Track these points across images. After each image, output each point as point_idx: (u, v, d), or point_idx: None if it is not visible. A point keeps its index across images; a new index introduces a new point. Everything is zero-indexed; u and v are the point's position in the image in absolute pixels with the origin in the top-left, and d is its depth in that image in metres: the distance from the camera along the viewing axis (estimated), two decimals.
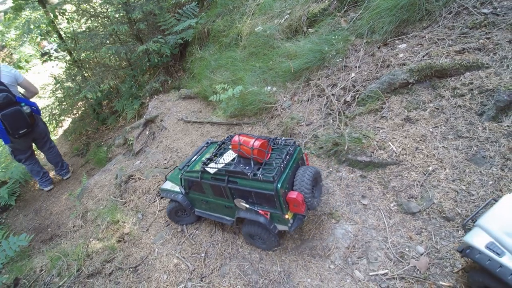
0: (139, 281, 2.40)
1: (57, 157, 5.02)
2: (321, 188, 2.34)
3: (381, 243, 2.23)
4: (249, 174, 2.05)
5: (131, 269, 2.50)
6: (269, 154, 2.18)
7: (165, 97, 5.71)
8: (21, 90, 4.20)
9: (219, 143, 2.56)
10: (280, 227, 2.18)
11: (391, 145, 2.58)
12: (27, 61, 6.53)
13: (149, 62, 6.08)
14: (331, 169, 2.81)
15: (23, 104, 3.86)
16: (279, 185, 1.98)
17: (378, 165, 2.58)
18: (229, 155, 2.33)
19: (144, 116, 5.46)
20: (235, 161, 2.22)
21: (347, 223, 2.40)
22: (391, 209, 2.38)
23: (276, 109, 3.71)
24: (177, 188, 2.68)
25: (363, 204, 2.47)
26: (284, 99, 3.71)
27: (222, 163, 2.24)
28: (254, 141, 2.10)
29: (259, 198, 2.12)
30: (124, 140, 5.61)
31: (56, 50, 8.00)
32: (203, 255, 2.49)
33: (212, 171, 2.23)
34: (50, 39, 6.74)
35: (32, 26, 5.97)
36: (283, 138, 2.36)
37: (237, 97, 3.95)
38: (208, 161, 2.32)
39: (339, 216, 2.46)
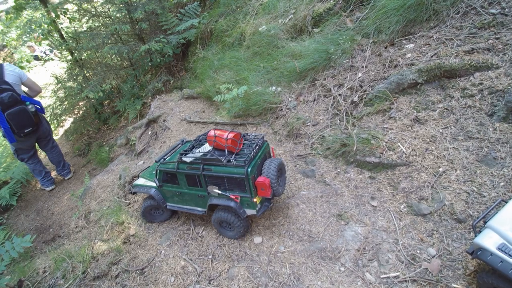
0: (146, 283, 2.37)
1: (59, 156, 5.04)
2: (285, 178, 2.55)
3: (392, 245, 2.20)
4: (223, 160, 2.27)
5: (137, 272, 2.47)
6: (241, 145, 2.42)
7: (167, 97, 5.68)
8: (24, 89, 4.17)
9: (194, 139, 2.74)
10: (249, 212, 2.38)
11: (400, 146, 2.55)
12: (28, 61, 6.48)
13: (151, 62, 6.05)
14: (339, 170, 2.79)
15: (28, 103, 3.86)
16: (249, 169, 2.21)
17: (387, 166, 2.55)
18: (204, 148, 2.55)
19: (147, 116, 5.42)
20: (210, 152, 2.43)
21: (356, 225, 2.37)
22: (401, 211, 2.35)
23: (281, 109, 3.68)
24: (150, 183, 2.82)
25: (373, 205, 2.44)
26: (289, 99, 3.69)
27: (198, 154, 2.45)
28: (228, 134, 2.35)
29: (231, 184, 2.33)
30: (126, 140, 5.57)
31: (45, 53, 7.96)
32: (210, 257, 2.45)
33: (189, 160, 2.43)
34: (43, 43, 6.70)
35: (33, 26, 5.93)
36: (253, 133, 2.61)
37: (241, 97, 3.92)
38: (185, 153, 2.50)
39: (348, 217, 2.44)
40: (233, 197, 2.32)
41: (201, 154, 2.42)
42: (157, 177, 2.67)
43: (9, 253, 3.02)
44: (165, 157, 2.70)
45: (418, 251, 2.15)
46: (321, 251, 2.29)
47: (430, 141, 2.52)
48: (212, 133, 2.40)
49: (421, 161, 2.46)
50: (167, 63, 6.20)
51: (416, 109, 2.71)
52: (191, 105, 5.17)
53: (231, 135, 2.32)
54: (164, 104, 5.45)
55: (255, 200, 2.28)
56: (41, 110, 4.20)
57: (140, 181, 2.95)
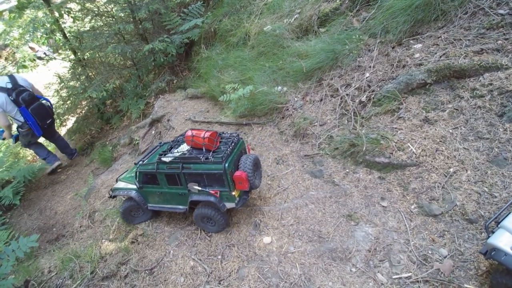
0: (155, 284, 2.35)
1: (65, 142, 5.58)
2: (260, 173, 2.69)
3: (403, 246, 2.20)
4: (201, 158, 2.38)
5: (146, 272, 2.45)
6: (218, 143, 2.55)
7: (171, 96, 5.67)
8: None
9: (172, 140, 2.85)
10: (228, 205, 2.49)
11: (410, 146, 2.54)
12: (31, 60, 6.47)
13: (154, 61, 6.03)
14: (347, 170, 2.78)
15: (41, 99, 4.49)
16: (226, 165, 2.33)
17: (397, 167, 2.55)
18: (182, 148, 2.65)
19: (151, 116, 5.41)
20: (189, 151, 2.55)
21: (367, 226, 2.36)
22: (411, 211, 2.34)
23: (288, 109, 3.67)
24: (130, 186, 2.89)
25: (383, 206, 2.43)
26: (296, 99, 3.68)
27: (177, 154, 2.56)
28: (205, 133, 2.47)
29: (210, 180, 2.44)
30: (129, 140, 5.56)
31: (45, 53, 7.95)
32: (219, 257, 2.44)
33: (168, 159, 2.52)
34: (45, 42, 6.69)
35: (36, 25, 5.91)
36: (229, 132, 2.74)
37: (246, 97, 3.90)
38: (164, 153, 2.60)
39: (358, 218, 2.43)
40: (212, 192, 2.44)
41: (179, 153, 2.52)
42: (137, 179, 2.73)
43: (15, 252, 3.00)
44: (144, 159, 2.78)
45: (430, 252, 2.14)
46: (331, 251, 2.28)
47: (440, 141, 2.51)
48: (189, 133, 2.51)
49: (431, 161, 2.45)
50: (171, 63, 6.18)
51: (425, 109, 2.70)
52: (195, 104, 5.16)
53: (207, 134, 2.45)
54: (167, 104, 5.44)
55: (233, 193, 2.41)
56: (51, 105, 4.82)
57: (120, 184, 3.01)
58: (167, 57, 5.87)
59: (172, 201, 2.71)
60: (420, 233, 2.24)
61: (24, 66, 6.32)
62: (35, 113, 4.29)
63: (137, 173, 2.71)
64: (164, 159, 2.54)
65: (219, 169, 2.33)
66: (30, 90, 4.31)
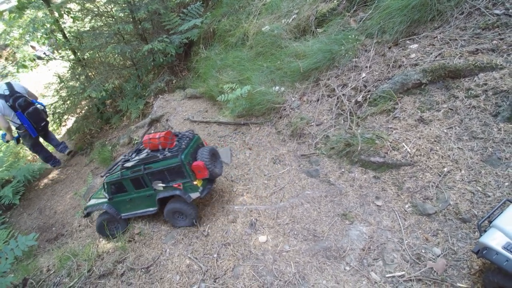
0: (151, 282, 2.37)
1: (57, 140, 5.92)
2: (221, 162, 2.84)
3: (397, 245, 2.21)
4: (160, 156, 2.54)
5: (143, 270, 2.48)
6: (174, 143, 2.68)
7: (170, 96, 5.69)
8: None
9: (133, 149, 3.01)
10: (193, 195, 2.58)
11: (405, 146, 2.56)
12: (31, 60, 6.50)
13: (153, 61, 6.05)
14: (343, 170, 2.79)
15: (36, 103, 4.84)
16: (183, 156, 2.48)
17: (392, 166, 2.56)
18: (143, 153, 2.79)
19: (150, 116, 5.43)
20: (147, 153, 2.71)
21: (361, 225, 2.38)
22: (406, 211, 2.36)
23: (285, 109, 3.69)
24: (101, 200, 3.00)
25: (377, 205, 2.45)
26: (293, 99, 3.69)
27: (137, 159, 2.71)
28: (159, 134, 2.66)
29: (171, 174, 2.57)
30: (129, 140, 5.58)
31: (45, 53, 7.99)
32: (215, 255, 2.46)
33: (130, 164, 2.66)
34: (45, 42, 6.73)
35: (36, 25, 5.94)
36: (184, 130, 2.90)
37: (244, 97, 3.92)
38: (125, 161, 2.75)
39: (353, 217, 2.44)
40: (176, 185, 2.57)
41: (140, 157, 2.70)
42: (106, 190, 2.86)
43: (13, 251, 3.03)
44: (110, 171, 2.86)
45: (423, 251, 2.16)
46: (326, 250, 2.30)
47: (435, 141, 2.53)
48: (146, 138, 2.71)
49: (426, 161, 2.47)
50: (170, 63, 6.20)
51: (420, 109, 2.72)
52: (194, 104, 5.19)
53: (162, 134, 2.65)
54: (166, 104, 5.46)
55: (195, 183, 2.54)
56: (44, 108, 5.13)
57: (91, 202, 3.11)
58: (167, 57, 5.90)
59: (142, 205, 2.82)
60: (414, 232, 2.26)
61: (24, 66, 6.35)
62: (31, 117, 4.67)
63: (105, 184, 2.83)
64: (126, 165, 2.67)
65: (176, 161, 2.48)
66: (26, 96, 4.70)
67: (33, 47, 8.59)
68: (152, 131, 5.39)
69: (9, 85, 4.67)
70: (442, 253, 2.12)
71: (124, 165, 2.68)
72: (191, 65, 6.16)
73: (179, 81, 6.17)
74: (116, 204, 2.92)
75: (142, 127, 5.50)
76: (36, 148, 5.38)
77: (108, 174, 2.81)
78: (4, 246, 2.85)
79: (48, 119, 5.26)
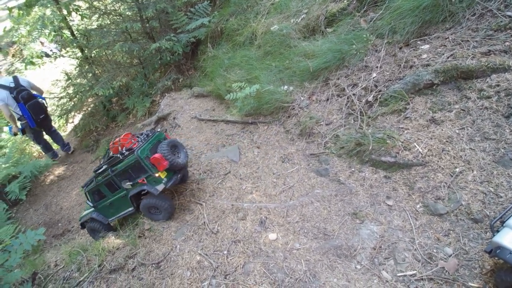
0: (162, 277, 2.38)
1: (60, 136, 6.19)
2: (185, 153, 2.96)
3: (408, 244, 2.21)
4: (120, 156, 2.69)
5: (153, 265, 2.49)
6: (136, 143, 2.80)
7: (177, 95, 5.71)
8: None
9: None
10: (159, 187, 2.68)
11: (416, 146, 2.56)
12: (38, 57, 6.54)
13: (161, 60, 6.07)
14: (353, 169, 2.80)
15: (38, 98, 5.22)
16: (139, 152, 2.60)
17: (403, 166, 2.56)
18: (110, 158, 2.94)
19: (157, 114, 5.45)
20: (113, 157, 2.82)
21: (372, 224, 2.38)
22: (417, 210, 2.36)
23: (294, 108, 3.70)
24: (89, 210, 3.25)
25: (388, 204, 2.45)
26: (302, 98, 3.70)
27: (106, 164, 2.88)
28: (120, 137, 2.86)
29: (135, 171, 2.70)
30: None
31: (52, 50, 8.05)
32: (225, 252, 2.47)
33: (100, 170, 2.86)
34: (53, 39, 6.79)
35: (45, 22, 5.98)
36: (146, 130, 3.05)
37: (252, 96, 3.93)
38: (98, 168, 2.92)
39: (364, 216, 2.45)
40: (140, 181, 2.70)
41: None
42: (89, 199, 3.08)
43: (22, 245, 3.05)
44: (89, 183, 3.07)
45: (435, 250, 2.16)
46: (336, 248, 2.30)
47: (447, 141, 2.52)
48: (111, 143, 2.91)
49: (438, 161, 2.46)
50: (177, 62, 6.22)
51: (432, 110, 2.72)
52: (201, 103, 5.20)
53: (121, 136, 2.88)
54: (173, 102, 5.48)
55: (157, 175, 2.65)
56: (46, 104, 5.50)
57: (83, 213, 3.39)
58: (174, 56, 5.91)
59: (122, 206, 2.99)
60: (425, 232, 2.25)
61: (32, 63, 6.38)
62: (31, 109, 5.06)
63: (86, 194, 3.06)
64: (98, 171, 2.90)
65: (134, 158, 2.62)
66: (29, 90, 5.10)
67: (42, 43, 8.65)
68: (158, 130, 5.41)
69: (15, 78, 5.09)
70: (453, 253, 2.12)
71: (97, 172, 2.89)
72: (198, 64, 6.18)
73: (185, 80, 6.19)
74: (101, 210, 3.11)
75: (148, 125, 5.52)
76: (37, 139, 5.73)
77: (87, 185, 3.05)
78: (14, 240, 2.86)
79: (48, 113, 5.61)
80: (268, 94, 3.88)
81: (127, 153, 2.67)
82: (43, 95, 5.67)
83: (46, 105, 5.51)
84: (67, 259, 3.11)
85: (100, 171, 2.88)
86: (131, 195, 2.83)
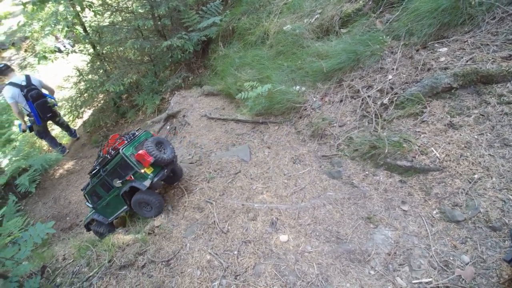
0: (172, 275, 2.37)
1: (67, 125, 6.49)
2: (172, 149, 3.02)
3: (424, 251, 2.16)
4: (108, 156, 2.83)
5: (163, 263, 2.47)
6: (121, 141, 2.91)
7: (187, 93, 5.71)
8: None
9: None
10: (146, 183, 2.76)
11: (434, 150, 2.50)
12: (51, 52, 6.62)
13: (171, 58, 6.08)
14: (367, 173, 2.75)
15: (47, 97, 5.49)
16: (124, 150, 2.73)
17: (419, 171, 2.51)
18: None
19: (166, 111, 5.46)
20: (103, 158, 2.95)
21: (386, 229, 2.33)
22: (433, 217, 2.30)
23: (305, 109, 3.66)
24: (91, 212, 3.37)
25: (403, 210, 2.40)
26: (314, 99, 3.66)
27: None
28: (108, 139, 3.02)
29: (123, 170, 2.80)
30: None
31: (65, 46, 8.13)
32: (236, 252, 2.44)
33: (93, 171, 3.00)
34: (66, 34, 6.87)
35: (59, 18, 6.03)
36: (133, 131, 3.16)
37: (264, 96, 3.90)
38: (93, 170, 3.03)
39: (378, 221, 2.40)
40: (128, 178, 2.81)
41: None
42: (89, 201, 3.21)
43: (32, 238, 3.06)
44: (88, 186, 3.21)
45: (451, 258, 2.10)
46: (349, 253, 2.26)
47: (465, 147, 2.46)
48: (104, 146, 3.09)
49: (455, 167, 2.40)
50: (187, 60, 6.23)
51: (450, 114, 2.65)
52: (211, 101, 5.19)
53: (110, 138, 3.06)
54: (183, 100, 5.48)
55: (143, 171, 2.74)
56: (55, 103, 5.79)
57: (88, 215, 3.49)
58: (184, 54, 5.92)
59: (118, 205, 3.08)
60: (441, 239, 2.20)
61: (45, 58, 6.45)
62: (39, 108, 5.32)
63: (85, 196, 3.19)
64: (92, 173, 3.03)
65: (120, 156, 2.73)
66: (39, 89, 5.33)
67: (56, 38, 8.76)
68: (168, 127, 5.42)
69: (27, 77, 5.30)
70: (470, 261, 2.06)
71: (91, 173, 3.04)
72: (209, 62, 6.17)
73: (195, 78, 6.19)
74: (100, 211, 3.20)
75: (158, 122, 5.53)
76: (42, 135, 5.96)
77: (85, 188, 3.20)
78: (24, 233, 2.87)
79: (56, 111, 5.85)
80: (279, 94, 3.85)
81: (113, 152, 2.80)
82: (54, 94, 5.87)
83: (55, 104, 5.73)
84: (76, 254, 3.11)
85: (93, 172, 3.01)
86: (123, 193, 2.93)
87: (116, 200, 3.02)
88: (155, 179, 2.78)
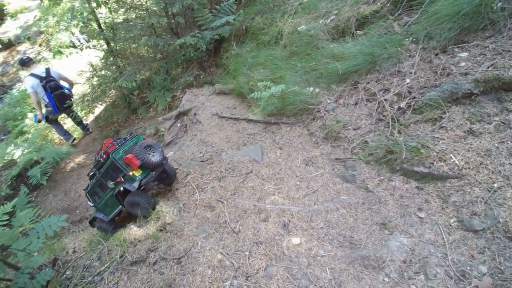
0: (183, 273, 2.36)
1: (80, 120, 6.79)
2: (161, 152, 3.15)
3: (440, 260, 2.11)
4: (100, 159, 3.05)
5: (175, 260, 2.47)
6: (114, 145, 3.08)
7: (198, 91, 5.72)
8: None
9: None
10: (135, 184, 2.93)
11: (452, 157, 2.44)
12: (67, 47, 6.73)
13: (184, 55, 6.10)
14: (382, 177, 2.70)
15: (64, 89, 5.89)
16: (113, 154, 2.90)
17: (437, 178, 2.45)
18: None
19: (178, 109, 5.48)
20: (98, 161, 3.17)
21: (402, 236, 2.29)
22: (451, 225, 2.25)
23: (319, 111, 3.62)
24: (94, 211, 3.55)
25: (420, 217, 2.35)
26: (328, 101, 3.62)
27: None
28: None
29: (115, 172, 2.97)
30: (155, 131, 5.66)
31: (80, 41, 8.24)
32: (247, 253, 2.43)
33: (91, 173, 3.25)
34: (80, 30, 6.98)
35: (75, 14, 6.11)
36: (125, 134, 3.36)
37: (277, 96, 3.88)
38: (89, 172, 3.29)
39: (393, 227, 2.36)
40: (119, 180, 2.97)
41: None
42: (90, 201, 3.43)
43: (45, 230, 3.09)
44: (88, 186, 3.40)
45: (468, 268, 2.05)
46: (363, 259, 2.22)
47: (485, 155, 2.40)
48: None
49: (475, 175, 2.35)
50: (199, 58, 6.24)
51: (470, 121, 2.59)
52: (222, 100, 5.19)
53: (104, 142, 3.24)
54: (195, 98, 5.50)
55: (131, 173, 2.89)
56: (72, 94, 6.14)
57: (92, 214, 3.66)
58: (197, 52, 5.93)
59: (114, 205, 3.24)
60: (458, 248, 2.15)
61: (60, 52, 6.56)
62: (56, 98, 5.71)
63: (87, 196, 3.41)
64: (90, 175, 3.27)
65: (110, 160, 2.91)
66: (57, 81, 5.74)
67: (72, 33, 8.90)
68: (178, 124, 5.44)
69: (47, 69, 5.74)
70: (488, 272, 2.01)
71: (90, 174, 3.28)
72: (220, 61, 6.18)
73: (207, 77, 6.20)
74: (100, 210, 3.40)
75: (169, 119, 5.56)
76: (52, 122, 6.38)
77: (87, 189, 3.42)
78: (37, 225, 2.89)
79: (71, 103, 6.14)
80: (292, 95, 3.82)
81: (103, 155, 3.01)
82: (73, 87, 6.30)
83: (72, 96, 6.12)
84: (87, 247, 3.14)
85: (91, 174, 3.26)
86: (117, 194, 3.10)
87: (112, 200, 3.20)
88: (144, 181, 2.94)
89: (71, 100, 6.05)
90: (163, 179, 3.48)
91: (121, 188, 3.07)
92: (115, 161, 2.89)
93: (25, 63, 5.69)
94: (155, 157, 3.03)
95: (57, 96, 5.72)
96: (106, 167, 3.01)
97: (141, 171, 2.97)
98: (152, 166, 2.99)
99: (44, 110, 5.96)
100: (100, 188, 3.22)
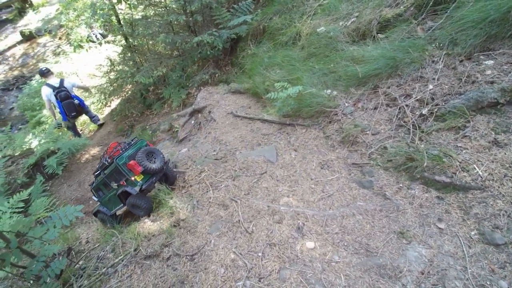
0: (196, 270, 2.37)
1: (93, 113, 7.13)
2: (162, 158, 3.36)
3: (460, 273, 2.05)
4: (106, 162, 3.25)
5: (188, 257, 2.48)
6: (118, 153, 3.23)
7: (213, 89, 5.74)
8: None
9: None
10: (136, 188, 3.11)
11: (476, 168, 2.37)
12: (86, 41, 6.87)
13: (200, 53, 6.14)
14: (401, 185, 2.65)
15: (75, 99, 6.27)
16: (117, 159, 3.09)
17: (459, 188, 2.39)
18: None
19: (193, 106, 5.51)
20: (103, 163, 3.36)
21: (420, 246, 2.23)
22: (471, 238, 2.18)
23: (336, 114, 3.58)
24: (97, 204, 3.87)
25: (439, 227, 2.29)
26: (346, 104, 3.57)
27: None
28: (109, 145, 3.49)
29: (118, 175, 3.18)
30: (169, 126, 5.71)
31: (96, 36, 8.40)
32: (260, 254, 2.42)
33: (96, 172, 3.44)
34: (100, 25, 7.12)
35: (96, 9, 6.23)
36: (132, 139, 3.54)
37: (293, 97, 3.85)
38: (95, 171, 3.47)
39: (411, 237, 2.30)
40: (121, 183, 3.17)
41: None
42: (95, 195, 3.67)
43: (61, 220, 3.14)
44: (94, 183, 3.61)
45: (488, 282, 1.99)
46: (380, 267, 2.18)
47: (510, 166, 2.32)
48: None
49: (498, 187, 2.27)
50: (215, 57, 6.26)
51: (494, 131, 2.51)
52: (237, 99, 5.19)
53: (110, 144, 3.47)
54: (210, 96, 5.52)
55: (133, 178, 3.09)
56: (83, 104, 6.55)
57: (96, 206, 3.95)
58: (213, 51, 5.96)
59: (116, 203, 3.46)
60: (479, 262, 2.08)
61: (80, 46, 6.72)
62: (65, 107, 6.16)
63: (92, 191, 3.64)
64: (96, 174, 3.45)
65: (114, 165, 3.11)
66: (68, 91, 6.14)
67: (91, 27, 9.10)
68: (193, 121, 5.48)
69: (61, 80, 6.20)
70: (508, 287, 1.94)
71: (95, 174, 3.48)
72: (236, 60, 6.18)
73: (222, 75, 6.22)
74: (104, 205, 3.65)
75: (183, 116, 5.60)
76: (70, 128, 6.84)
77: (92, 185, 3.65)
78: (53, 214, 2.94)
79: (81, 109, 6.60)
80: (309, 97, 3.79)
81: (108, 159, 3.22)
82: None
83: (81, 105, 6.53)
84: (100, 239, 3.19)
85: (97, 173, 3.45)
86: (119, 194, 3.30)
87: (114, 198, 3.42)
88: (144, 186, 3.14)
89: (80, 111, 6.58)
90: (164, 180, 3.66)
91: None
92: (118, 166, 3.09)
93: (44, 73, 6.19)
94: (156, 164, 3.25)
95: (65, 105, 6.16)
96: (111, 170, 3.21)
97: (143, 176, 3.18)
98: (153, 172, 3.21)
99: (57, 117, 6.49)
100: (104, 186, 3.44)
